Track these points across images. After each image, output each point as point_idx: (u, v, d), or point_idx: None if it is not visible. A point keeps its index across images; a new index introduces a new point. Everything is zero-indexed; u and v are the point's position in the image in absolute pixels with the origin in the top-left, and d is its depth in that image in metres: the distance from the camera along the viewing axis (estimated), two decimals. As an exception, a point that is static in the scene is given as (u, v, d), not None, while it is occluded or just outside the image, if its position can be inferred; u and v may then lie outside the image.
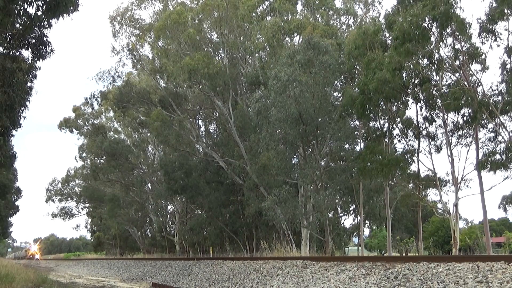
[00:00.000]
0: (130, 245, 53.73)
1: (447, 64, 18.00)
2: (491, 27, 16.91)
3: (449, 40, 17.83)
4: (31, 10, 10.16)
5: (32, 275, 21.18)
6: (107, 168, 42.16)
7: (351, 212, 30.05)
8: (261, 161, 23.93)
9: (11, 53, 12.69)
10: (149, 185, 44.82)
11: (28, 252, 77.83)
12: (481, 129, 18.50)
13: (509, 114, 17.78)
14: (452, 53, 17.81)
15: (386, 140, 20.81)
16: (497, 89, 17.70)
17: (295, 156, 24.61)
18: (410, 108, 20.93)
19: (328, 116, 21.42)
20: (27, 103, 13.87)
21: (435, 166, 21.63)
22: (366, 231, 45.88)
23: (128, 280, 20.97)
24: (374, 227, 42.56)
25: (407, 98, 19.90)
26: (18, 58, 12.89)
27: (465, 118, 18.14)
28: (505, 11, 16.12)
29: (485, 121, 17.84)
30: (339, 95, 24.16)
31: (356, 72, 21.97)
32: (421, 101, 19.45)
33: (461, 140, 19.19)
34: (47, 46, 12.67)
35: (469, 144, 18.92)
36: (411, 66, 18.39)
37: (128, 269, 25.34)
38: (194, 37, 29.12)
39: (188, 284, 15.73)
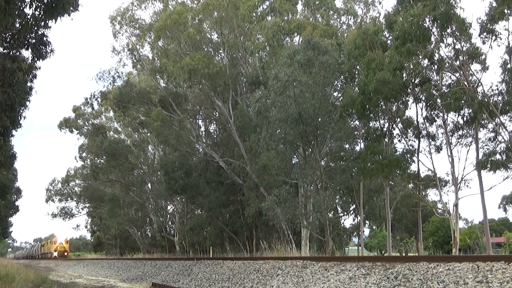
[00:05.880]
0: (130, 245, 53.77)
1: (447, 64, 18.00)
2: (491, 27, 16.90)
3: (449, 40, 17.84)
4: (28, 11, 10.14)
5: (32, 275, 21.14)
6: (107, 168, 42.20)
7: (351, 212, 30.05)
8: (261, 161, 23.94)
9: (11, 53, 12.70)
10: (149, 185, 44.84)
11: (51, 247, 53.38)
12: (481, 129, 18.48)
13: (509, 114, 17.77)
14: (453, 53, 17.81)
15: (386, 140, 20.79)
16: (497, 89, 17.70)
17: (295, 156, 24.61)
18: (410, 108, 20.92)
19: (328, 116, 21.42)
20: (27, 103, 13.93)
21: (435, 166, 21.63)
22: (366, 231, 45.86)
23: (128, 280, 20.94)
24: (374, 227, 42.55)
25: (407, 98, 19.89)
26: (18, 58, 12.91)
27: (465, 118, 18.14)
28: (505, 11, 16.12)
29: (485, 121, 17.83)
30: (339, 95, 24.17)
31: (356, 72, 21.97)
32: (422, 101, 19.44)
33: (461, 140, 19.18)
34: (47, 46, 12.67)
35: (469, 144, 18.92)
36: (411, 66, 18.38)
37: (128, 269, 25.31)
38: (194, 37, 29.13)
39: (188, 284, 15.71)
